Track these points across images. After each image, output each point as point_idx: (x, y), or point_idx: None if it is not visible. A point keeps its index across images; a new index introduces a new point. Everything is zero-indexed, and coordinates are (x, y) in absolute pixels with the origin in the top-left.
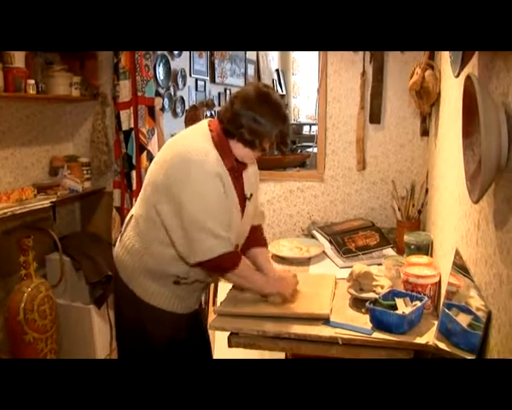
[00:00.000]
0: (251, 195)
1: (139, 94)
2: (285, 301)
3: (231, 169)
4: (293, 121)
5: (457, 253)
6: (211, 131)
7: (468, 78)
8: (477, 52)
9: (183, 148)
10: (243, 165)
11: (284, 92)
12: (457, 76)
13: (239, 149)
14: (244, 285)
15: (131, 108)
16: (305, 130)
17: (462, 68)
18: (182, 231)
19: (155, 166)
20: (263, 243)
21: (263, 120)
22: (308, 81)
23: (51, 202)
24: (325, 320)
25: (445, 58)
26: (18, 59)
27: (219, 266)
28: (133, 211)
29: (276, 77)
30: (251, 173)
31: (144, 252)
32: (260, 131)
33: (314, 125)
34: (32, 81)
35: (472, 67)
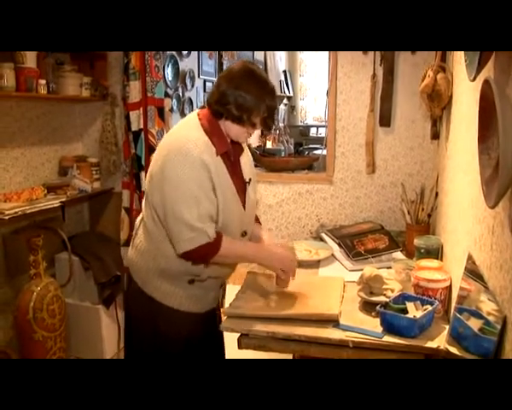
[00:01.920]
0: (250, 179)
1: (149, 95)
2: (287, 274)
3: (226, 154)
4: (300, 123)
5: (470, 257)
6: (200, 119)
7: (486, 82)
8: (493, 56)
9: (170, 140)
10: (239, 147)
11: (291, 94)
12: (473, 80)
13: (229, 128)
14: (235, 261)
15: (141, 108)
16: (312, 132)
17: (478, 72)
18: (166, 225)
19: (152, 162)
20: (256, 219)
21: (248, 96)
22: (315, 83)
23: (61, 202)
24: (335, 322)
25: (457, 61)
26: (29, 59)
27: (202, 256)
28: (142, 213)
29: (283, 78)
30: (246, 158)
31: (156, 252)
32: (247, 106)
33: (321, 127)
34: (44, 81)
35: (488, 70)
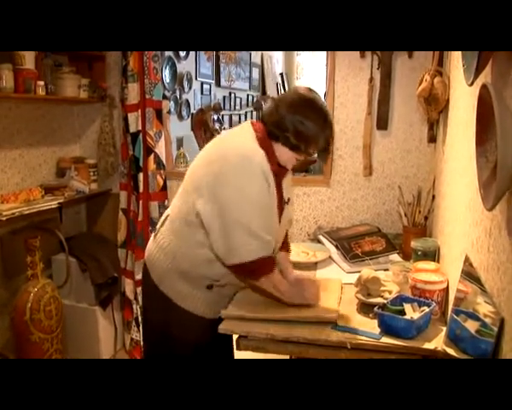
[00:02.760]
0: (289, 199)
1: (147, 97)
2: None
3: (274, 171)
4: None
5: (467, 259)
6: (255, 131)
7: (484, 86)
8: (491, 60)
9: (230, 146)
10: (285, 170)
11: None
12: (471, 84)
13: (283, 153)
14: (273, 293)
15: (139, 110)
16: None
17: (476, 77)
18: (222, 232)
19: (198, 166)
20: (287, 247)
21: (310, 124)
22: (312, 85)
23: (58, 203)
24: (333, 324)
25: (454, 65)
26: (28, 60)
27: (256, 270)
28: (169, 211)
29: (280, 80)
30: (288, 179)
31: (179, 253)
32: (307, 136)
33: None
34: (42, 82)
35: (486, 75)
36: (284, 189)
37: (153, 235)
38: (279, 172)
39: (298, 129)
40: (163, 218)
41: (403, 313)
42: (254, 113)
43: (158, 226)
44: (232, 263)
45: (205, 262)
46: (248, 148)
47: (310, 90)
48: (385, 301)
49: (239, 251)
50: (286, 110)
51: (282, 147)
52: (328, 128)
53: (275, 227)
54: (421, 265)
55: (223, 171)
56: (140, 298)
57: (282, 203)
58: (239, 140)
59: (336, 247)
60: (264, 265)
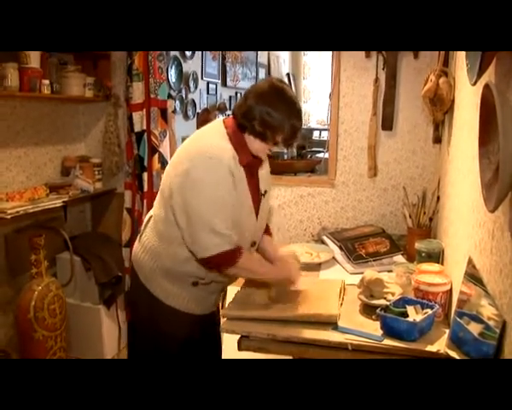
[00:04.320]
0: (265, 191)
1: (152, 96)
2: (290, 283)
3: (247, 165)
4: (303, 126)
5: (470, 261)
6: (226, 127)
7: (487, 86)
8: (494, 60)
9: (198, 145)
10: (259, 162)
11: None
12: (474, 84)
13: (252, 142)
14: (247, 276)
15: (144, 109)
16: (315, 135)
17: (479, 76)
18: (189, 229)
19: (171, 167)
20: (267, 231)
21: (276, 114)
22: (319, 86)
23: (63, 202)
24: (333, 324)
25: (459, 65)
26: (33, 59)
27: (219, 264)
28: (152, 211)
29: (286, 81)
30: (265, 171)
31: (162, 252)
32: (272, 124)
33: (324, 130)
34: (47, 81)
35: (489, 75)
36: (261, 181)
37: (138, 236)
38: (253, 163)
39: (264, 118)
40: (146, 219)
41: (405, 315)
42: None
43: (142, 228)
44: (201, 257)
45: (186, 260)
46: (215, 148)
47: (280, 80)
48: (388, 303)
49: (202, 246)
50: (254, 100)
51: (250, 136)
52: (294, 117)
53: (247, 221)
54: (425, 267)
55: (190, 172)
56: None
57: (258, 196)
58: (206, 140)
59: (340, 248)
60: (227, 258)
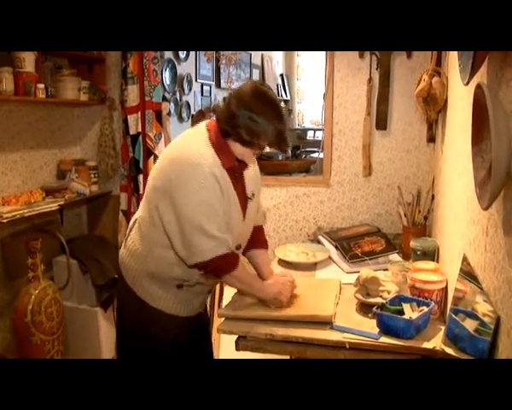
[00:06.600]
0: (253, 194)
1: (147, 99)
2: (281, 305)
3: (231, 169)
4: (297, 126)
5: (465, 258)
6: (208, 131)
7: (479, 86)
8: (487, 60)
9: (180, 151)
10: (244, 164)
11: (288, 97)
12: (467, 84)
13: (237, 148)
14: (241, 288)
15: (139, 112)
16: (310, 135)
17: (471, 76)
18: (180, 234)
19: (155, 171)
20: (263, 244)
21: (259, 119)
22: (312, 86)
23: (59, 205)
24: (328, 323)
25: (452, 65)
26: (28, 63)
27: (217, 268)
28: (137, 215)
29: (280, 82)
30: (252, 172)
31: (147, 255)
32: (257, 130)
33: (318, 130)
34: (42, 85)
35: (481, 75)
36: (247, 184)
37: (124, 240)
38: (238, 167)
39: (247, 124)
40: (131, 222)
41: (402, 312)
42: None
43: (127, 231)
44: (193, 263)
45: (173, 263)
46: (197, 154)
47: (261, 83)
48: (384, 301)
49: (197, 251)
50: (236, 106)
51: (235, 143)
52: (278, 121)
53: (235, 225)
54: (420, 264)
55: (176, 177)
56: None
57: (245, 199)
58: (188, 147)
59: (336, 247)
60: (225, 262)
